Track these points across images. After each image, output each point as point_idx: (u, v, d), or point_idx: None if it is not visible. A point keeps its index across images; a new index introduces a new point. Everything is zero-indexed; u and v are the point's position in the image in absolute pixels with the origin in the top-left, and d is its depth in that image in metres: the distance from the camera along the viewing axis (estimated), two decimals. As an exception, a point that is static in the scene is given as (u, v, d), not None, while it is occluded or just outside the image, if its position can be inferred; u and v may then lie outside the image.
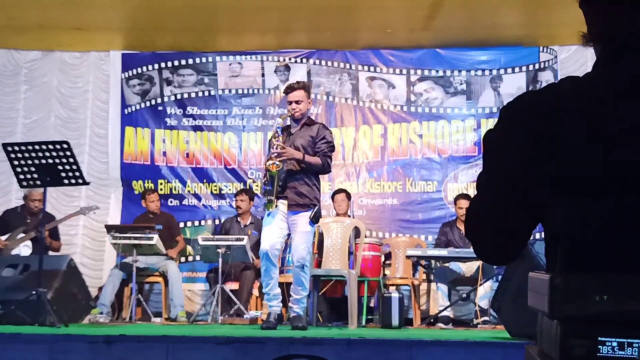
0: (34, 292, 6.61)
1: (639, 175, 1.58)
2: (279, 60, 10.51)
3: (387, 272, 9.17)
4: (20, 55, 10.64)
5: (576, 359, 1.51)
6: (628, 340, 1.50)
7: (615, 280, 1.54)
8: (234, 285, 8.79)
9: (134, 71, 10.60)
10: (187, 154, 10.47)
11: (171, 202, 10.30)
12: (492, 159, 1.74)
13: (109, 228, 8.80)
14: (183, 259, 10.01)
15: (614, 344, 1.50)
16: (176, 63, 10.58)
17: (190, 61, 10.58)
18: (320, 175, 7.14)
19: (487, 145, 1.75)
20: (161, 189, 10.26)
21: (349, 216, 9.03)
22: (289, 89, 7.00)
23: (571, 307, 1.53)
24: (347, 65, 10.42)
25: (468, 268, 8.61)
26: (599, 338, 1.50)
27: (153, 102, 10.59)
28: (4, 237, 8.55)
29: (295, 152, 6.80)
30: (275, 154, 6.71)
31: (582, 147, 1.60)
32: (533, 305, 1.75)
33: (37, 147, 6.89)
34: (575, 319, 1.52)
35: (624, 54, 1.68)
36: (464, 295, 8.41)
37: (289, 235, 7.01)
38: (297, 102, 6.92)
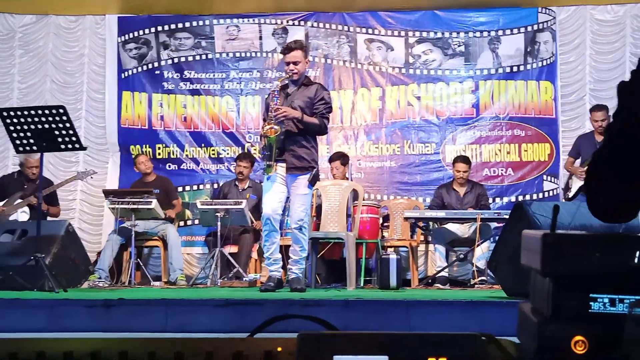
0: (32, 258, 6.60)
1: None
2: (276, 23, 10.43)
3: (385, 234, 9.20)
4: (15, 19, 10.55)
5: (568, 315, 1.51)
6: (619, 297, 1.50)
7: (606, 237, 1.54)
8: (233, 249, 8.81)
9: (131, 35, 10.53)
10: (185, 118, 10.43)
11: (169, 166, 10.28)
12: (625, 107, 1.73)
13: (107, 193, 8.81)
14: (182, 223, 10.03)
15: (605, 300, 1.50)
16: (173, 26, 10.50)
17: (187, 24, 10.49)
18: (317, 137, 7.13)
19: (620, 94, 1.74)
20: (159, 154, 10.25)
21: (347, 179, 9.03)
22: (287, 50, 6.93)
23: (563, 265, 1.53)
24: (345, 28, 10.34)
25: (465, 229, 8.63)
26: (591, 294, 1.51)
27: (150, 66, 10.53)
28: (1, 203, 8.54)
29: (294, 111, 6.74)
30: (274, 116, 6.67)
31: None
32: (526, 263, 1.75)
33: (32, 112, 6.84)
34: (567, 276, 1.52)
35: None
36: (462, 256, 8.42)
37: (288, 198, 7.02)
38: (294, 63, 6.85)
